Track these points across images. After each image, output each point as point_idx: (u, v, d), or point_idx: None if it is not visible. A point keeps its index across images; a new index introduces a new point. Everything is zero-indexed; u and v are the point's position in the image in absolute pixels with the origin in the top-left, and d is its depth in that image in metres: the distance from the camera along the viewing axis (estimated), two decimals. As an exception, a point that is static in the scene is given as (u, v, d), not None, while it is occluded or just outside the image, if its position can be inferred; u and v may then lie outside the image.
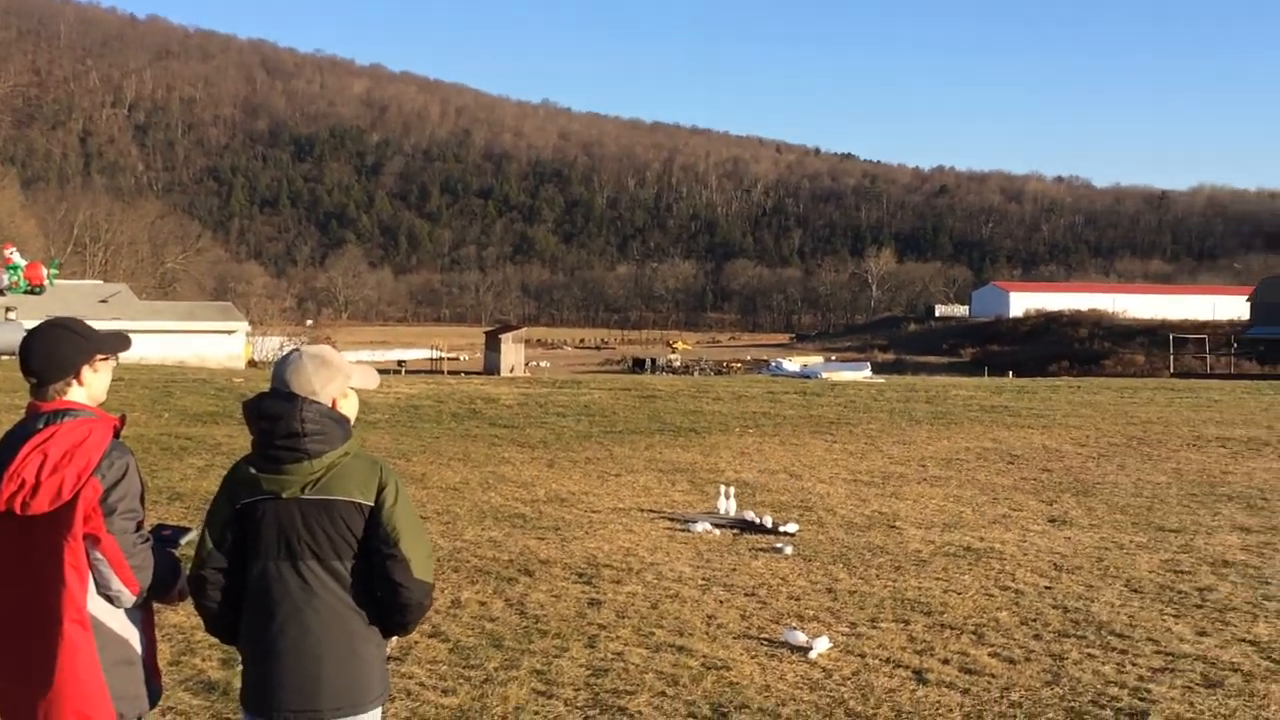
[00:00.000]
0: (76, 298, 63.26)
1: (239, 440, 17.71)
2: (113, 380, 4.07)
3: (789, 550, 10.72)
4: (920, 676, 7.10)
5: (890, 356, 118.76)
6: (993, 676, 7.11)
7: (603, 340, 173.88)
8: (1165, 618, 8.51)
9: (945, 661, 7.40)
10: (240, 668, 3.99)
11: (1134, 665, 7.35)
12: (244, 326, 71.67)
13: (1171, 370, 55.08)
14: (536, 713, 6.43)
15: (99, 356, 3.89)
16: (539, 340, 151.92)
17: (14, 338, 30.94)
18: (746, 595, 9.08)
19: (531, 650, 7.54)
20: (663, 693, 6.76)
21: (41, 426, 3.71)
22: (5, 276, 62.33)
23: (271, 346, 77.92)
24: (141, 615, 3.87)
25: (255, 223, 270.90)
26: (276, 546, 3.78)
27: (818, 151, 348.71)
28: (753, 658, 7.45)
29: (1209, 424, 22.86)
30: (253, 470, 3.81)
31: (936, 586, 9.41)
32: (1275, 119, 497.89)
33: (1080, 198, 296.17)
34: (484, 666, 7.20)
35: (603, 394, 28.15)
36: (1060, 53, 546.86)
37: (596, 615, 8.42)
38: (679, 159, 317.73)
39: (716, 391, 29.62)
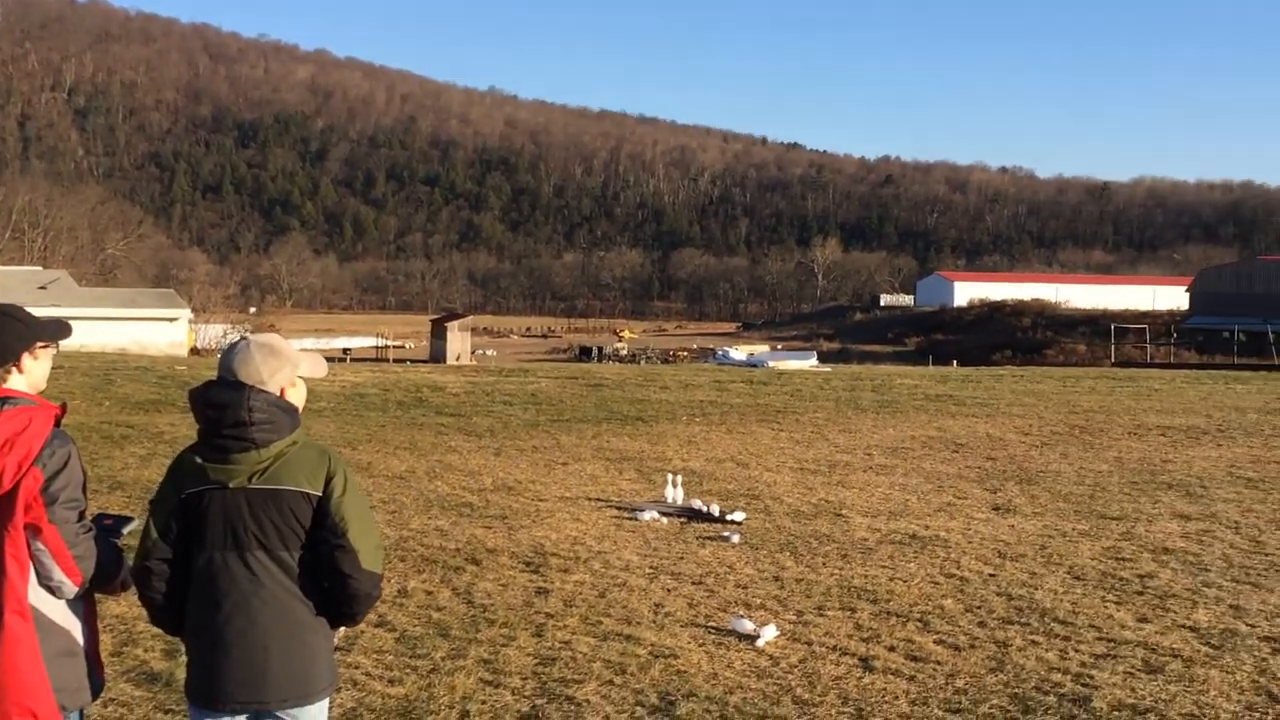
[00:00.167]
0: (15, 284, 62.31)
1: (181, 429, 17.53)
2: (52, 368, 4.00)
3: (736, 539, 10.75)
4: (867, 664, 7.14)
5: (836, 345, 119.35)
6: (938, 664, 7.16)
7: (549, 329, 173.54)
8: (1107, 604, 8.60)
9: (891, 649, 7.44)
10: (184, 659, 3.94)
11: (1077, 652, 7.43)
12: (186, 314, 70.86)
13: (1113, 359, 55.73)
14: (484, 702, 6.41)
15: (39, 344, 3.83)
16: (485, 328, 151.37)
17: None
18: (694, 584, 9.09)
19: (479, 639, 7.52)
20: (610, 681, 6.76)
21: (-19, 415, 3.64)
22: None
23: (214, 334, 77.18)
24: (83, 606, 3.81)
25: (198, 209, 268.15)
26: (223, 536, 3.73)
27: (764, 141, 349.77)
28: (700, 646, 7.46)
29: (1149, 413, 23.13)
30: (199, 459, 3.76)
31: (882, 574, 9.46)
32: (1213, 112, 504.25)
33: (1023, 188, 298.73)
34: (431, 656, 7.17)
35: (550, 382, 28.11)
36: (1004, 44, 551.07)
37: (544, 604, 8.40)
38: (626, 147, 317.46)
39: (663, 380, 29.65)
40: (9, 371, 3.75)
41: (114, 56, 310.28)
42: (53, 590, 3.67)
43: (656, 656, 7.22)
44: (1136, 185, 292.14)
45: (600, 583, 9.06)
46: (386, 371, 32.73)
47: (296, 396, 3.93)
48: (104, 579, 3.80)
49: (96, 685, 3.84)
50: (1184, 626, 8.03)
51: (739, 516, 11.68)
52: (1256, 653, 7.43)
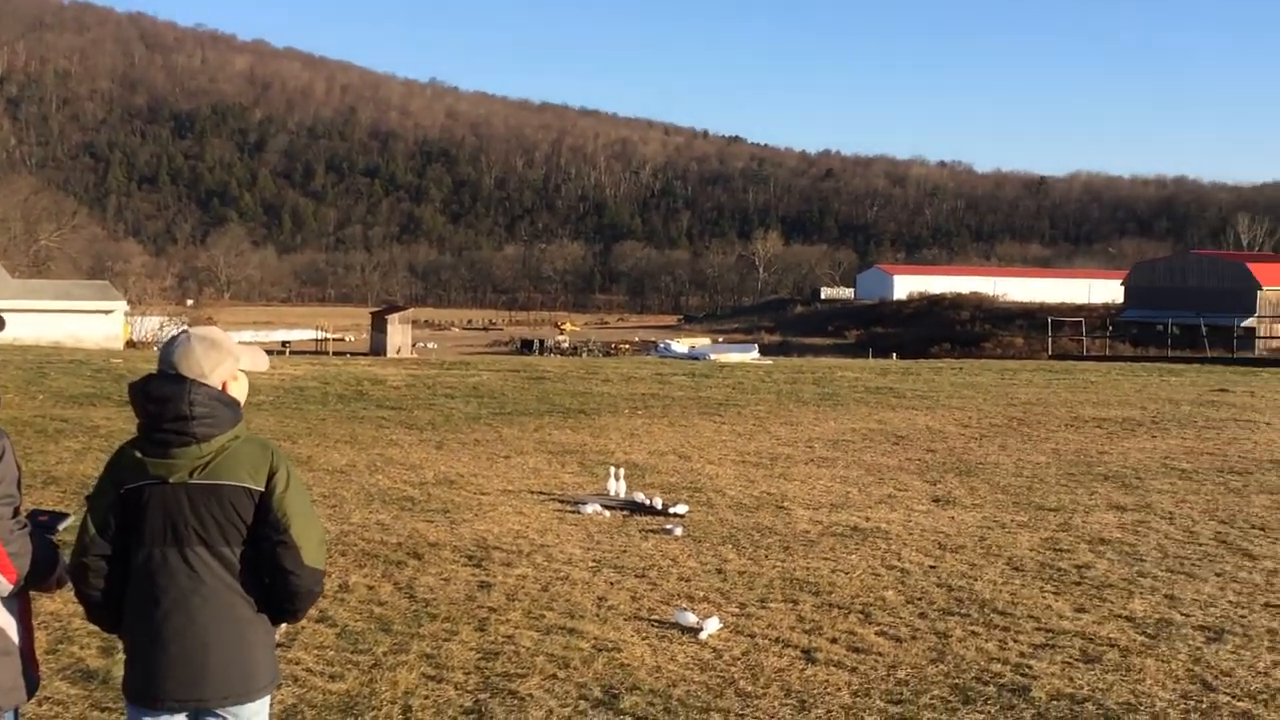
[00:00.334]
0: (-55, 276, 61.24)
1: (117, 422, 17.32)
2: (-13, 362, 3.93)
3: (679, 531, 10.77)
4: (809, 656, 7.17)
5: (777, 338, 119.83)
6: (880, 655, 7.21)
7: (490, 321, 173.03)
8: (1045, 595, 8.69)
9: (833, 641, 7.49)
10: (122, 656, 3.89)
11: (1016, 642, 7.50)
12: (122, 306, 69.95)
13: (1049, 352, 56.29)
14: (426, 697, 6.38)
15: (-28, 338, 3.76)
16: (426, 321, 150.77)
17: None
18: (637, 577, 9.10)
19: (421, 634, 7.48)
20: (554, 675, 6.75)
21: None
22: None
23: (151, 326, 76.14)
24: (18, 604, 3.75)
25: (134, 200, 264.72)
26: (163, 532, 3.68)
27: (706, 134, 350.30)
28: (643, 639, 7.47)
29: (1086, 405, 23.40)
30: (138, 454, 3.71)
31: (824, 566, 9.51)
32: (1147, 108, 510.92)
33: (962, 182, 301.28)
34: (372, 651, 7.13)
35: (491, 375, 28.01)
36: (942, 39, 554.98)
37: (486, 598, 8.38)
38: (568, 140, 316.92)
39: (605, 373, 29.63)
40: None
41: (47, 45, 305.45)
42: (-13, 588, 3.61)
43: (600, 650, 7.22)
44: (1073, 180, 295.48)
45: (543, 576, 9.04)
46: (326, 364, 32.48)
47: (238, 390, 3.88)
48: (40, 576, 3.74)
49: (32, 684, 3.78)
50: (1120, 616, 8.13)
51: (681, 509, 11.69)
52: (1191, 642, 7.54)
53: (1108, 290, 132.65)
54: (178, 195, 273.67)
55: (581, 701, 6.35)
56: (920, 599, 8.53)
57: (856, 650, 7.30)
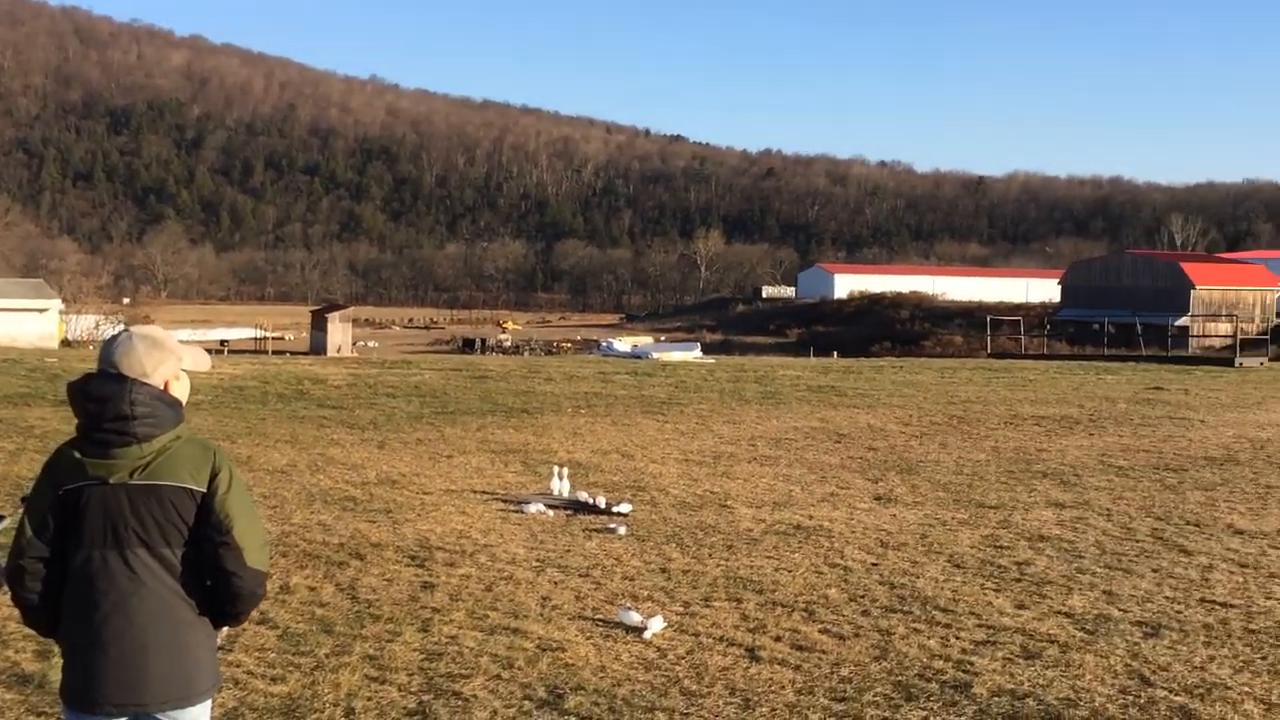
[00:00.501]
0: (-126, 275, 60.13)
1: (53, 423, 17.08)
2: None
3: (622, 530, 10.77)
4: (753, 654, 7.19)
5: (719, 337, 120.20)
6: (823, 653, 7.24)
7: (432, 320, 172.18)
8: (986, 592, 8.77)
9: (777, 639, 7.51)
10: (58, 660, 3.83)
11: (957, 639, 7.56)
12: (57, 304, 69.01)
13: (988, 351, 56.78)
14: (369, 699, 6.34)
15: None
16: (367, 320, 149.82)
17: None
18: (581, 576, 9.08)
19: (363, 635, 7.43)
20: (498, 675, 6.72)
21: None
22: None
23: (86, 325, 75.14)
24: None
25: (68, 197, 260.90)
26: (103, 534, 3.63)
27: (648, 133, 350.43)
28: (588, 639, 7.46)
29: (1024, 403, 23.64)
30: (78, 454, 3.65)
31: (768, 565, 9.54)
32: (1083, 109, 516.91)
33: (902, 182, 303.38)
34: (314, 653, 7.07)
35: (433, 374, 27.89)
36: (882, 39, 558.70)
37: (430, 599, 8.33)
38: (509, 138, 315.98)
39: (548, 372, 29.59)
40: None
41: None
42: (-79, 592, 3.54)
43: (544, 650, 7.20)
44: (1010, 180, 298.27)
45: (487, 576, 9.01)
46: (266, 364, 32.19)
47: (180, 390, 3.83)
48: (-25, 580, 3.68)
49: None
50: (1060, 612, 8.22)
51: (625, 508, 11.69)
52: (1129, 637, 7.64)
53: (1045, 289, 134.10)
54: (113, 192, 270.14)
55: (526, 702, 6.33)
56: (863, 597, 8.58)
57: (800, 648, 7.32)
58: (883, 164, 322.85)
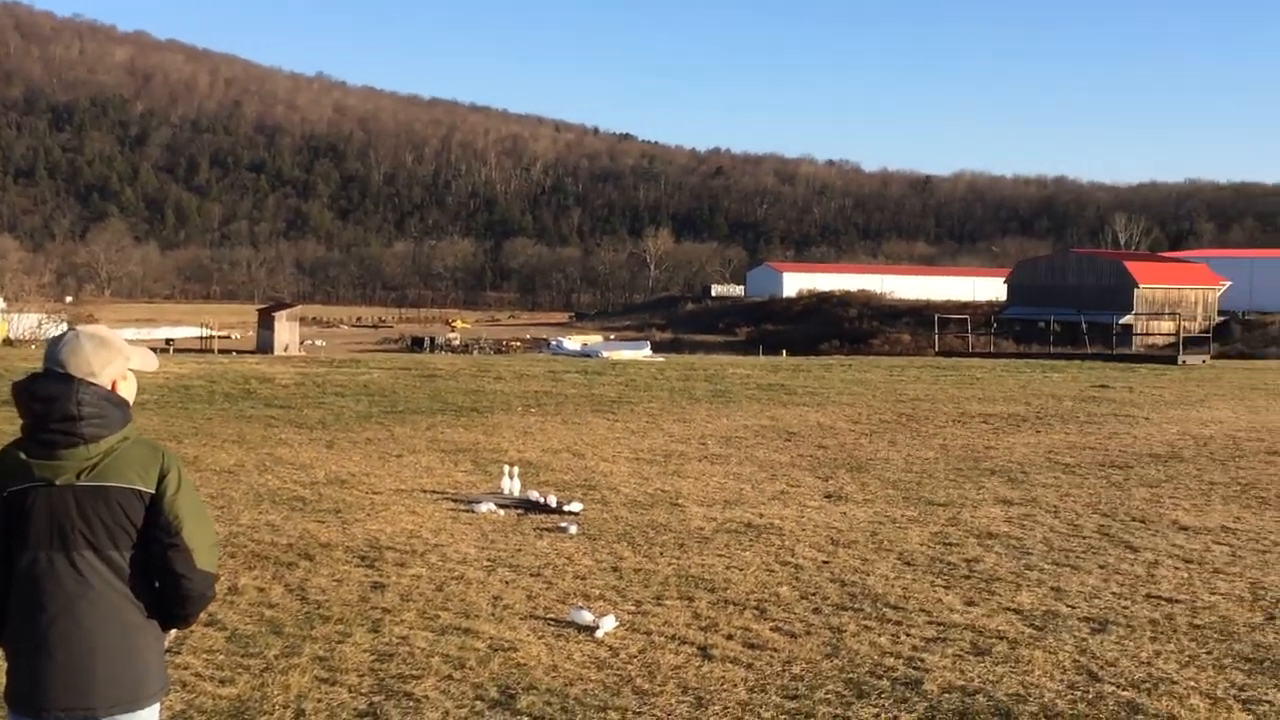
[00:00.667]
0: None
1: (-5, 423, 16.85)
2: None
3: (574, 529, 10.75)
4: (705, 652, 7.20)
5: (668, 335, 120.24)
6: (775, 650, 7.25)
7: (380, 319, 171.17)
8: (936, 589, 8.82)
9: (729, 637, 7.52)
10: (3, 664, 3.77)
11: (908, 636, 7.60)
12: (-2, 303, 68.00)
13: (936, 349, 57.18)
14: (319, 700, 6.29)
15: None
16: (314, 318, 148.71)
17: None
18: (532, 575, 9.06)
19: (313, 636, 7.38)
20: (449, 676, 6.70)
21: None
22: None
23: (29, 324, 74.08)
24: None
25: (9, 194, 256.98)
26: (49, 536, 3.57)
27: (596, 131, 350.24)
28: (540, 638, 7.44)
29: (972, 401, 23.83)
30: (23, 455, 3.59)
31: (719, 563, 9.56)
32: (1027, 109, 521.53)
33: (850, 181, 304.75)
34: (264, 655, 7.02)
35: (382, 373, 27.75)
36: (829, 39, 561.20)
37: (380, 599, 8.29)
38: (457, 136, 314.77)
39: (498, 370, 29.51)
40: None
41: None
42: None
43: (495, 650, 7.17)
44: (957, 179, 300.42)
45: (437, 576, 8.97)
46: (212, 363, 31.91)
47: (127, 390, 3.79)
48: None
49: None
50: (1009, 609, 8.29)
51: (576, 507, 11.68)
52: (1077, 633, 7.71)
53: (991, 288, 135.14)
54: (56, 189, 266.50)
55: (478, 702, 6.31)
56: (814, 594, 8.61)
57: (752, 646, 7.34)
58: (831, 163, 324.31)
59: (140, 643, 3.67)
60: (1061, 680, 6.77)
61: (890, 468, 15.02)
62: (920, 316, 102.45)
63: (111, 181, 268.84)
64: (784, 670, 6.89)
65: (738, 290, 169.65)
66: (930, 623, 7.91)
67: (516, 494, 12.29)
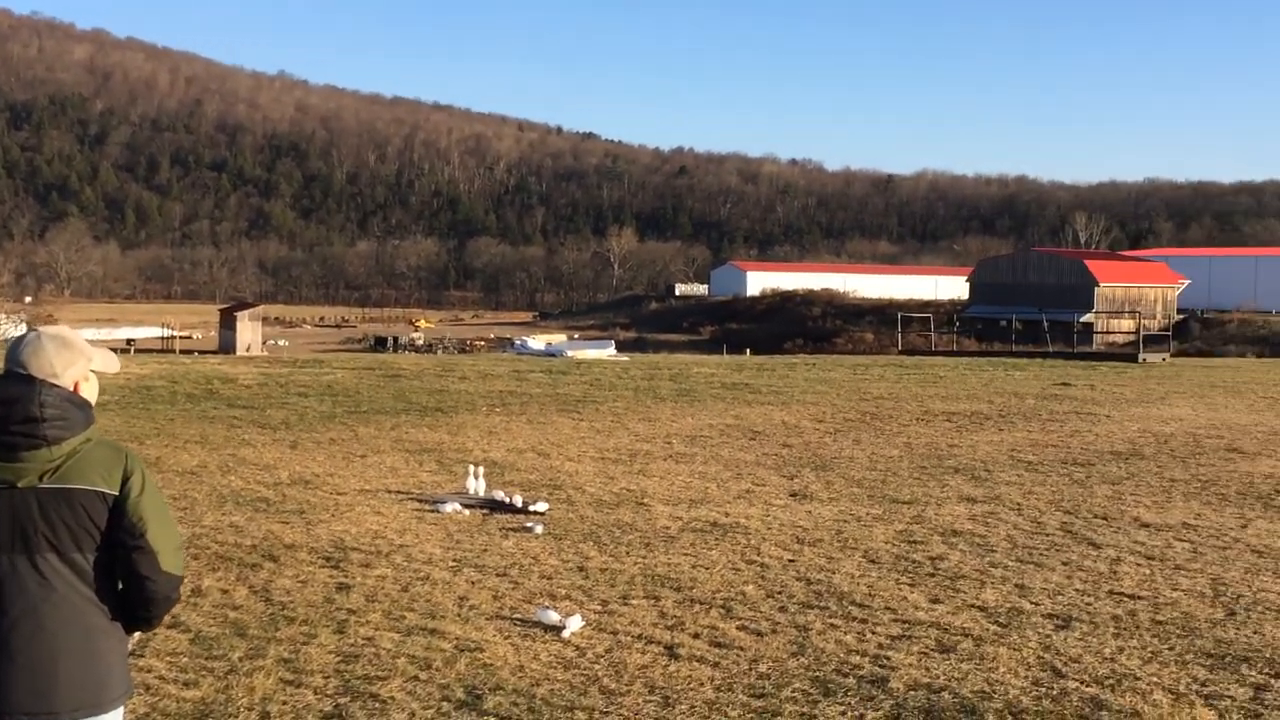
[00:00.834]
0: None
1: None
2: None
3: (539, 529, 10.73)
4: (672, 652, 7.20)
5: (632, 334, 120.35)
6: (741, 649, 7.26)
7: (343, 318, 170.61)
8: (901, 587, 8.86)
9: (696, 636, 7.53)
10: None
11: (874, 634, 7.63)
12: (-45, 303, 67.33)
13: (899, 348, 57.46)
14: (284, 702, 6.26)
15: None
16: (277, 318, 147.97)
17: None
18: (498, 575, 9.04)
19: (278, 638, 7.34)
20: (415, 677, 6.67)
21: None
22: None
23: (-13, 325, 73.47)
24: None
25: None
26: (11, 539, 3.53)
27: (560, 130, 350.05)
28: (506, 638, 7.42)
29: (935, 399, 23.93)
30: (-16, 458, 3.56)
31: (685, 562, 9.57)
32: (989, 109, 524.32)
33: (813, 180, 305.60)
34: (228, 657, 6.97)
35: (345, 373, 27.63)
36: (791, 39, 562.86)
37: (345, 600, 8.25)
38: (420, 135, 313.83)
39: (462, 370, 29.45)
40: None
41: None
42: None
43: (462, 650, 7.15)
44: (919, 178, 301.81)
45: (403, 577, 8.93)
46: (174, 363, 31.70)
47: (89, 391, 3.75)
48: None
49: None
50: (973, 606, 8.33)
51: (542, 507, 11.66)
52: (1040, 630, 7.75)
53: (954, 287, 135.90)
54: (14, 189, 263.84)
55: (444, 703, 6.28)
56: (780, 593, 8.63)
57: (718, 645, 7.35)
58: (794, 162, 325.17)
59: (104, 646, 3.64)
60: (1026, 677, 6.81)
61: (855, 466, 15.07)
62: (883, 315, 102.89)
63: (71, 181, 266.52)
64: (750, 669, 6.90)
65: (702, 289, 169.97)
66: (896, 620, 7.94)
67: (482, 494, 12.26)
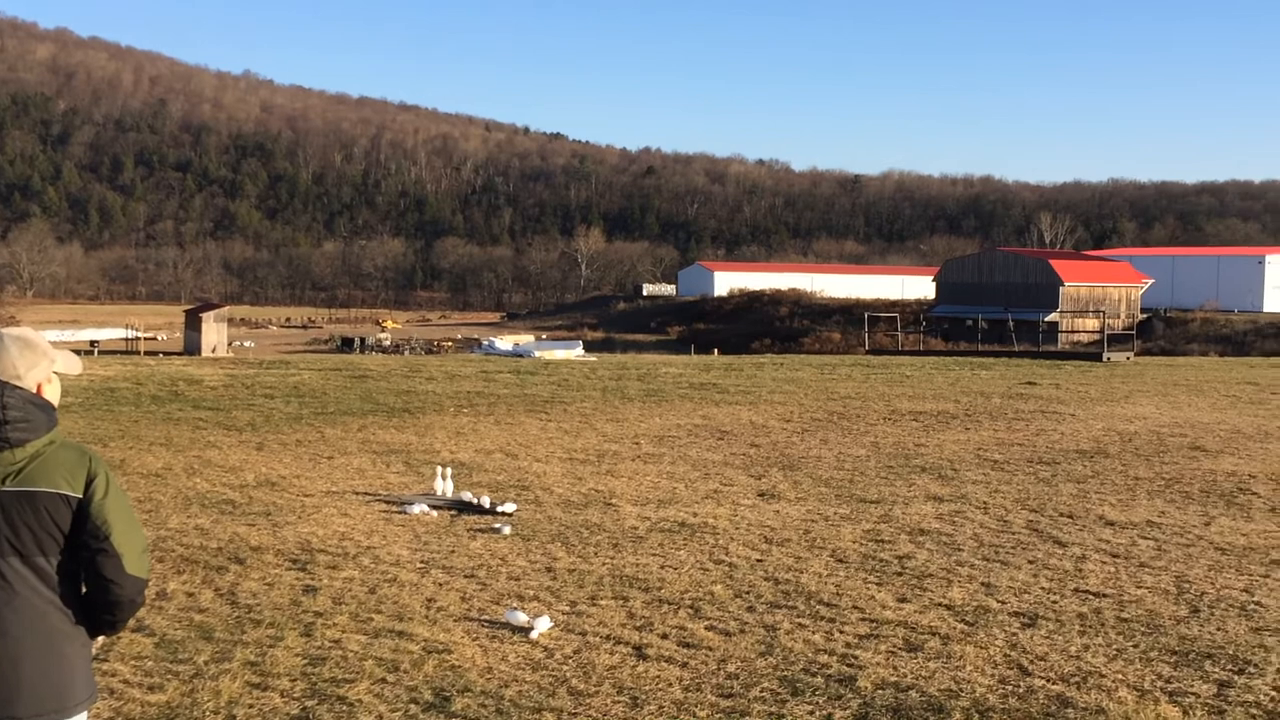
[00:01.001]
0: None
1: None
2: None
3: (507, 530, 10.71)
4: (640, 652, 7.20)
5: (600, 335, 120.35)
6: (710, 649, 7.27)
7: (310, 319, 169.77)
8: (869, 586, 8.89)
9: (664, 636, 7.53)
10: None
11: (841, 633, 7.65)
12: (-84, 305, 66.69)
13: (866, 347, 57.65)
14: (251, 706, 6.22)
15: None
16: (243, 319, 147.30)
17: None
18: (466, 577, 9.02)
19: (244, 641, 7.30)
20: (383, 679, 6.65)
21: None
22: None
23: (-52, 326, 72.72)
24: None
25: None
26: (-27, 543, 3.51)
27: (527, 130, 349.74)
28: (474, 640, 7.41)
29: (902, 398, 24.02)
30: (-54, 461, 3.52)
31: (653, 562, 9.57)
32: (954, 109, 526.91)
33: (780, 180, 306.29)
34: (193, 660, 6.93)
35: (312, 374, 27.51)
36: (757, 39, 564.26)
37: (312, 602, 8.21)
38: (387, 135, 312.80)
39: (429, 371, 29.37)
40: None
41: None
42: None
43: (430, 652, 7.13)
44: (886, 179, 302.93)
45: (370, 579, 8.90)
46: (139, 364, 31.48)
47: (52, 393, 3.72)
48: None
49: None
50: (940, 605, 8.36)
51: (510, 508, 11.64)
52: (1007, 628, 7.79)
53: (920, 286, 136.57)
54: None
55: (412, 705, 6.27)
56: (748, 593, 8.64)
57: (687, 645, 7.35)
58: (761, 162, 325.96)
59: (67, 650, 3.62)
60: (993, 675, 6.85)
61: (822, 466, 15.11)
62: (850, 315, 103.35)
63: (33, 181, 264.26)
64: (719, 669, 6.91)
65: (669, 289, 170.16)
66: (863, 619, 7.97)
67: (449, 495, 12.23)
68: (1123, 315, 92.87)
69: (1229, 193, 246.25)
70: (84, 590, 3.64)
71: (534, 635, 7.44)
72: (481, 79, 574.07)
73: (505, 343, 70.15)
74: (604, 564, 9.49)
